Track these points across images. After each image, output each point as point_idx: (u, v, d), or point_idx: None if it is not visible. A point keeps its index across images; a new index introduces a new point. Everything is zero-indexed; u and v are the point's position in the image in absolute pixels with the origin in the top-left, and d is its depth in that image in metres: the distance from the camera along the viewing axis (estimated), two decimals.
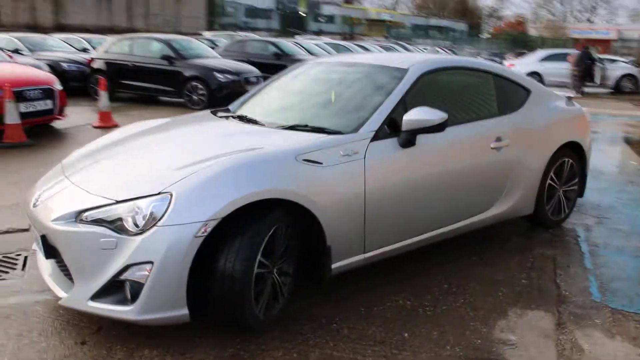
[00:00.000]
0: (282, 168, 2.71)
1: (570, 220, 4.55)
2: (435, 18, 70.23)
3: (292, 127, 3.26)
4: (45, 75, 8.05)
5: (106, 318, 2.62)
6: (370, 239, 3.08)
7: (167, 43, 11.47)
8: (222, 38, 20.62)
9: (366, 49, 20.14)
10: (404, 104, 3.27)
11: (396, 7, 78.56)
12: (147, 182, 2.66)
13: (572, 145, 4.29)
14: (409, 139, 3.15)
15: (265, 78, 9.93)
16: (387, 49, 21.64)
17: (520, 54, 26.16)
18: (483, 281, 3.42)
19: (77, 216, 2.61)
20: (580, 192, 4.57)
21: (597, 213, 4.83)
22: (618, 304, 3.14)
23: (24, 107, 7.22)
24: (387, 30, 56.95)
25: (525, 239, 4.17)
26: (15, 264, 3.49)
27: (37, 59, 11.56)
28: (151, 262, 2.43)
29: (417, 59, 3.70)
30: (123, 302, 2.51)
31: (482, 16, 56.77)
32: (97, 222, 2.54)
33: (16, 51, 12.36)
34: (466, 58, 4.36)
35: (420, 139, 3.22)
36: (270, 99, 3.98)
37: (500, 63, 21.45)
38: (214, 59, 11.68)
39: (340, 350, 2.63)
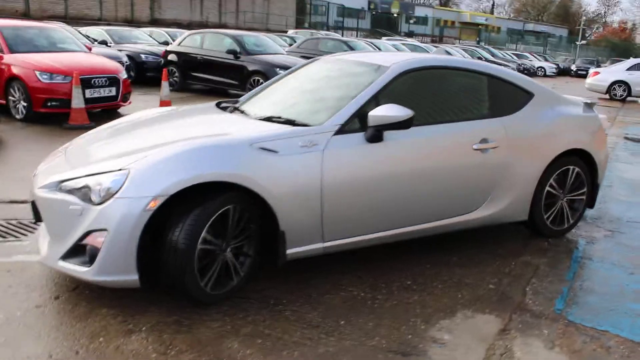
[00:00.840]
0: (234, 154, 2.90)
1: (578, 231, 4.36)
2: (534, 22, 67.07)
3: (268, 119, 3.44)
4: (112, 65, 8.77)
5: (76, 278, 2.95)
6: (329, 229, 3.18)
7: (235, 38, 12.00)
8: (302, 36, 21.17)
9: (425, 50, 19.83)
10: (377, 100, 3.33)
11: (493, 10, 75.93)
12: (117, 160, 2.96)
13: (579, 153, 4.10)
14: (374, 135, 3.21)
15: None
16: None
17: (614, 62, 24.43)
18: (448, 282, 3.40)
19: (57, 185, 2.96)
20: (590, 203, 4.36)
21: (613, 227, 4.57)
22: (577, 317, 3.02)
23: (89, 93, 7.95)
24: (479, 34, 55.26)
25: (519, 245, 4.07)
26: (28, 229, 3.95)
27: (119, 50, 12.56)
28: (106, 230, 2.72)
29: (403, 57, 3.73)
30: (84, 263, 2.82)
31: (582, 21, 53.38)
32: (70, 191, 2.87)
33: (104, 42, 13.51)
34: (460, 59, 4.22)
35: (391, 135, 3.27)
36: (269, 93, 4.18)
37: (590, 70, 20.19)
38: (276, 55, 12.05)
39: (271, 329, 2.78)
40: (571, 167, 4.09)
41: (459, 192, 3.63)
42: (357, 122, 3.27)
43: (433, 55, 4.16)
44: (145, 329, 2.75)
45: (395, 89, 3.47)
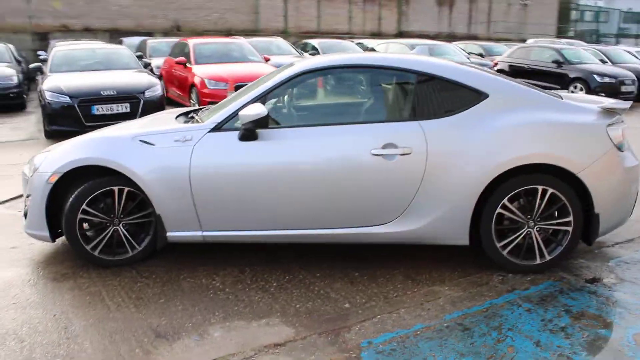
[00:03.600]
0: (117, 145, 3.45)
1: (574, 267, 3.44)
2: None
3: (190, 119, 3.82)
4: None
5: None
6: (205, 219, 3.41)
7: (558, 51, 13.86)
8: (537, 44, 19.46)
9: None
10: (263, 101, 3.40)
11: None
12: (60, 145, 3.75)
13: (560, 171, 3.27)
14: (244, 133, 3.31)
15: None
16: None
17: None
18: (343, 291, 3.28)
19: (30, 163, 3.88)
20: (587, 238, 3.39)
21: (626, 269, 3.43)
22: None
23: None
24: None
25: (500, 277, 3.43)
26: None
27: None
28: (30, 195, 3.56)
29: (322, 58, 3.62)
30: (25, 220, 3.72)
31: None
32: (32, 168, 3.75)
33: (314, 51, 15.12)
34: (391, 56, 3.61)
35: (269, 134, 3.34)
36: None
37: None
38: (594, 64, 13.50)
39: (119, 296, 3.20)
40: (540, 188, 3.29)
41: (355, 201, 3.35)
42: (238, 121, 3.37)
43: (354, 55, 3.77)
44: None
45: (287, 90, 3.46)
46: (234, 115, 3.40)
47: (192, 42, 11.00)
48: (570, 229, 3.36)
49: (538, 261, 3.41)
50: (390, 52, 14.62)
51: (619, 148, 3.39)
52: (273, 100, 3.58)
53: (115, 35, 21.29)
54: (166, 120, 3.93)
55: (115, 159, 3.38)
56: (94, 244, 3.53)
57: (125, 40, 16.53)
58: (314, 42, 16.80)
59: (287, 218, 3.40)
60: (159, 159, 3.37)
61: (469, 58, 15.34)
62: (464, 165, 3.28)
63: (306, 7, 27.19)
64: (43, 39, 20.20)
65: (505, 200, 3.32)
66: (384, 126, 3.37)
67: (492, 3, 31.19)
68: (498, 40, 26.34)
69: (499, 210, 3.33)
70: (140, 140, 3.42)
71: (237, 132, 3.36)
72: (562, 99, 3.56)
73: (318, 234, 3.43)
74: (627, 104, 3.47)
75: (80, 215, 3.45)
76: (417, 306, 3.05)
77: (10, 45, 13.50)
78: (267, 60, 11.19)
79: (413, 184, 3.31)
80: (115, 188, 3.46)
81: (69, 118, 7.59)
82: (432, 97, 3.42)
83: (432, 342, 2.68)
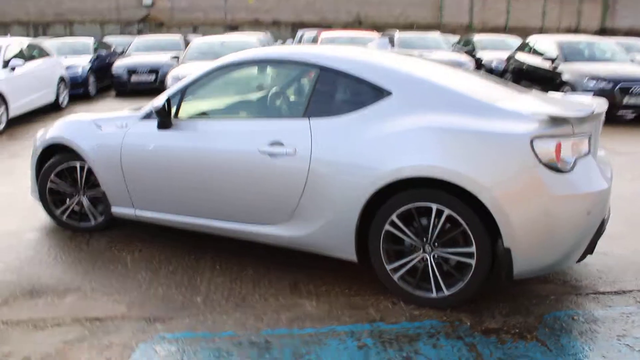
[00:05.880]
0: (78, 127, 3.87)
1: (488, 311, 2.80)
2: None
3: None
4: None
5: None
6: (135, 198, 3.63)
7: None
8: None
9: None
10: (182, 94, 3.47)
11: None
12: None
13: (459, 190, 2.69)
14: (159, 122, 3.41)
15: None
16: None
17: None
18: (214, 284, 3.22)
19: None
20: (507, 273, 2.70)
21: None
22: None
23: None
24: None
25: (390, 304, 2.98)
26: None
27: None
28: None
29: (236, 54, 3.53)
30: None
31: None
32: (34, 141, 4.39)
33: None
34: (298, 49, 3.26)
35: (180, 125, 3.43)
36: None
37: None
38: None
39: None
40: (434, 207, 2.73)
41: (247, 198, 3.19)
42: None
43: (262, 50, 3.51)
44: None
45: (209, 83, 3.48)
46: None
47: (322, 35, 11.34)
48: (472, 262, 2.72)
49: (434, 295, 2.84)
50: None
51: (552, 168, 2.61)
52: (199, 93, 3.58)
53: (295, 28, 22.76)
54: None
55: (74, 139, 3.79)
56: (62, 210, 4.00)
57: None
58: (477, 37, 15.79)
59: (194, 206, 3.42)
60: (102, 141, 3.67)
61: None
62: (348, 171, 2.87)
63: (494, 2, 25.56)
64: (233, 30, 22.54)
65: (394, 217, 2.82)
66: (275, 122, 3.15)
67: None
68: None
69: (387, 227, 2.85)
70: (95, 124, 3.77)
71: (156, 121, 3.48)
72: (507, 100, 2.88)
73: (220, 226, 3.36)
74: (585, 112, 2.65)
75: (49, 185, 3.96)
76: (257, 315, 2.81)
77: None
78: None
79: (297, 187, 3.02)
80: (77, 164, 3.87)
81: None
82: (331, 93, 3.06)
83: (212, 352, 2.48)
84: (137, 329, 2.69)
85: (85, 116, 3.97)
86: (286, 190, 3.06)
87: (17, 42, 9.80)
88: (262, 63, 3.53)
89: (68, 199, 3.99)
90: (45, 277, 3.28)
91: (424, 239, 2.80)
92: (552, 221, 2.60)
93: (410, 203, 2.77)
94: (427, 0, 25.55)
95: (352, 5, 25.44)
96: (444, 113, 2.79)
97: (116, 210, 3.75)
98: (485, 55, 13.88)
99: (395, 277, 2.90)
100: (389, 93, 2.91)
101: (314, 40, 14.58)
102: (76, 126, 3.88)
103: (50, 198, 3.99)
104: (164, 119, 3.38)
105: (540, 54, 10.92)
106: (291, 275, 3.28)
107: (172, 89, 3.53)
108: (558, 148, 2.60)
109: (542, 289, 3.12)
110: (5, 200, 4.76)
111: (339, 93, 3.06)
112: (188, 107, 3.50)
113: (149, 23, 24.27)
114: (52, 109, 10.06)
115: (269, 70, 3.63)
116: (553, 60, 10.19)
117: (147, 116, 3.55)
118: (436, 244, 2.78)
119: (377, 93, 2.93)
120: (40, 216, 4.21)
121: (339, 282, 3.17)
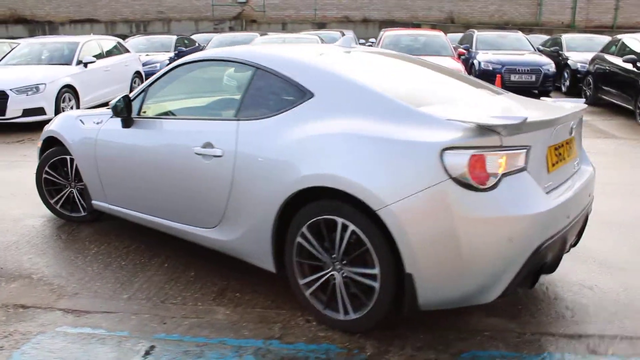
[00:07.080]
0: (67, 122, 4.12)
1: (399, 340, 2.58)
2: None
3: None
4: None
5: None
6: (108, 192, 3.81)
7: None
8: None
9: None
10: (145, 92, 3.58)
11: None
12: None
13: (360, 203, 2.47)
14: (122, 121, 3.53)
15: None
16: None
17: None
18: (154, 284, 3.29)
19: None
20: (410, 303, 2.45)
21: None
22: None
23: None
24: None
25: (303, 321, 2.89)
26: None
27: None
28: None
29: (196, 53, 3.53)
30: None
31: None
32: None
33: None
34: (240, 49, 3.23)
35: (141, 123, 3.53)
36: None
37: None
38: None
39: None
40: (340, 221, 2.54)
41: (184, 198, 3.21)
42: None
43: (215, 50, 3.45)
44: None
45: (168, 83, 3.54)
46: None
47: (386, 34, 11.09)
48: (376, 285, 2.50)
49: (341, 316, 2.65)
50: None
51: (463, 184, 2.31)
52: (159, 93, 3.62)
53: (383, 26, 22.36)
54: None
55: (63, 133, 4.05)
56: (56, 199, 4.29)
57: None
58: (565, 36, 14.55)
59: (148, 205, 3.51)
60: (83, 136, 3.89)
61: None
62: (266, 177, 2.78)
63: None
64: (321, 27, 22.67)
65: (304, 229, 2.67)
66: (210, 124, 3.12)
67: None
68: None
69: (298, 239, 2.71)
70: (80, 120, 3.98)
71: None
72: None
73: (168, 225, 3.40)
74: (515, 120, 2.31)
75: (44, 175, 4.27)
76: (163, 317, 2.81)
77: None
78: (461, 54, 10.48)
79: (224, 191, 2.98)
80: (68, 157, 4.12)
81: None
82: (262, 94, 2.97)
83: (81, 347, 2.52)
84: (49, 320, 2.80)
85: (75, 112, 4.20)
86: (215, 193, 3.03)
87: (96, 40, 10.62)
88: (210, 63, 3.51)
89: (63, 190, 4.25)
90: (9, 262, 3.53)
91: (332, 256, 2.63)
92: (461, 246, 2.31)
93: (319, 215, 2.61)
94: None
95: (445, 3, 24.55)
96: (361, 117, 2.60)
97: (95, 203, 3.93)
98: (573, 57, 12.72)
99: (307, 292, 2.76)
100: (311, 95, 2.77)
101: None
102: (66, 121, 4.13)
103: (46, 188, 4.27)
104: (121, 116, 3.48)
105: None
106: (227, 281, 3.23)
107: (138, 88, 3.63)
108: (473, 161, 2.30)
109: (482, 322, 2.79)
110: (26, 185, 5.14)
111: (270, 94, 2.97)
112: (150, 107, 3.58)
113: (242, 20, 25.16)
114: None
115: (219, 70, 3.62)
116: (635, 63, 9.09)
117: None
118: (345, 261, 2.60)
119: (301, 94, 2.82)
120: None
121: (268, 293, 3.08)
